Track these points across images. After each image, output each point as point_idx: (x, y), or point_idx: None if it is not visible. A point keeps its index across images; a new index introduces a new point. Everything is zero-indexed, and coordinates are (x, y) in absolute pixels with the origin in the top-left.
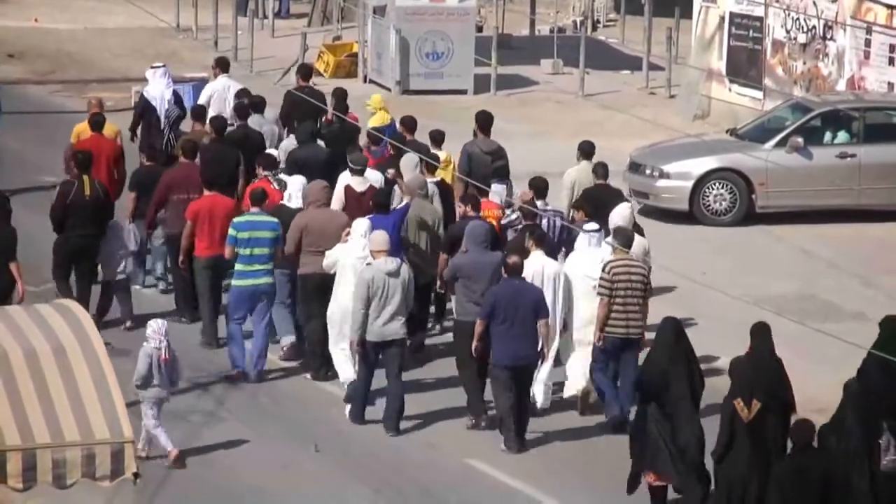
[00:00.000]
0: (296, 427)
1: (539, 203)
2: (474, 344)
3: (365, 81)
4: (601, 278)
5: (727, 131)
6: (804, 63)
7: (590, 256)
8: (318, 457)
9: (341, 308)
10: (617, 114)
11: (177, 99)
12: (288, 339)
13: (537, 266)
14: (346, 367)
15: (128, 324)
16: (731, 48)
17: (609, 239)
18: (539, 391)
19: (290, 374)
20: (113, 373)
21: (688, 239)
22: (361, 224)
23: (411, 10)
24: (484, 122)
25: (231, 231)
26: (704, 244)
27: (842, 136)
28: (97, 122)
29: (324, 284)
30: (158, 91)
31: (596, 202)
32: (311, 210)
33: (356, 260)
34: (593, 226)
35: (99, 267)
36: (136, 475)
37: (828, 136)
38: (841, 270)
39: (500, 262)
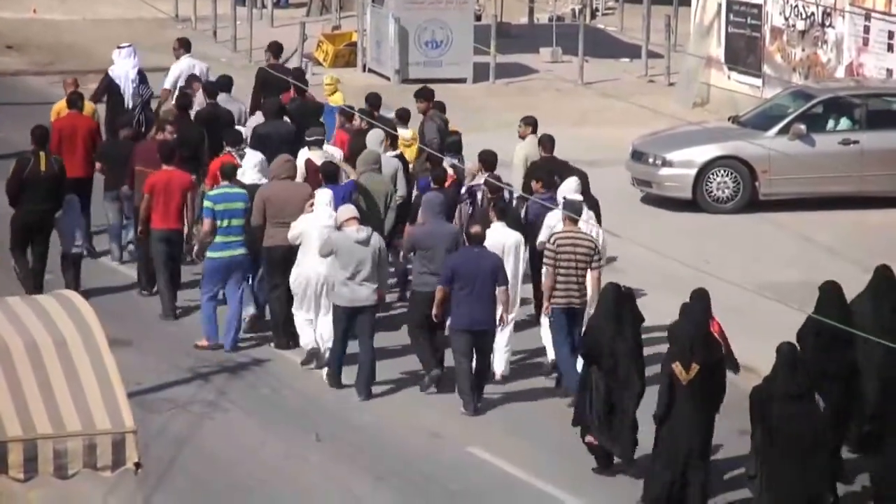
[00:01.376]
0: (297, 417)
1: (483, 175)
2: (434, 310)
3: (364, 71)
4: (547, 249)
5: (729, 119)
6: (803, 50)
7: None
8: (320, 446)
9: (305, 275)
10: (616, 102)
11: (143, 79)
12: (248, 311)
13: (499, 237)
14: (307, 332)
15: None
16: (729, 35)
17: (559, 209)
18: (498, 359)
19: (290, 364)
20: (114, 363)
21: (690, 227)
22: (325, 194)
23: None
24: (432, 96)
25: (207, 203)
26: (706, 232)
27: (844, 122)
28: (74, 101)
29: (288, 256)
30: (123, 70)
31: (549, 175)
32: (275, 182)
33: (322, 229)
34: (577, 198)
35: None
36: (137, 465)
37: (830, 123)
38: (843, 257)
39: (456, 233)
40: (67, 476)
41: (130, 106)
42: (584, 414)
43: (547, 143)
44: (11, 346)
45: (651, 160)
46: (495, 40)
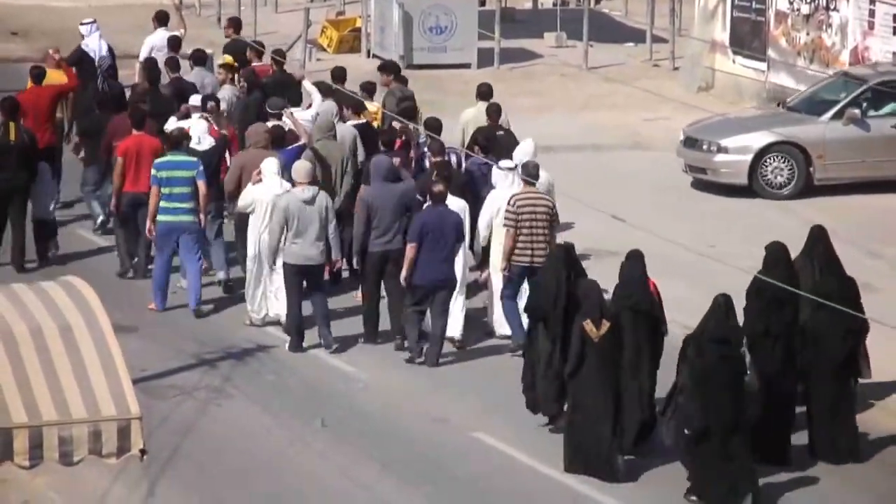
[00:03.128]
0: (302, 403)
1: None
2: (404, 271)
3: (368, 56)
4: (507, 210)
5: (778, 104)
6: (807, 34)
7: (508, 193)
8: (325, 433)
9: (256, 244)
10: (621, 86)
11: (112, 52)
12: (222, 273)
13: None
14: (259, 303)
15: (39, 262)
16: (734, 20)
17: (518, 171)
18: (453, 323)
19: (299, 356)
20: (119, 350)
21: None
22: (272, 163)
23: None
24: (396, 70)
25: (153, 171)
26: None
27: (893, 107)
28: (36, 76)
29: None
30: (95, 44)
31: (488, 141)
32: (250, 150)
33: (274, 197)
34: (508, 163)
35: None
36: (142, 452)
37: (884, 107)
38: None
39: (404, 192)
40: (73, 463)
41: (100, 77)
42: (526, 372)
43: (493, 112)
44: (17, 332)
45: (705, 147)
46: (499, 25)
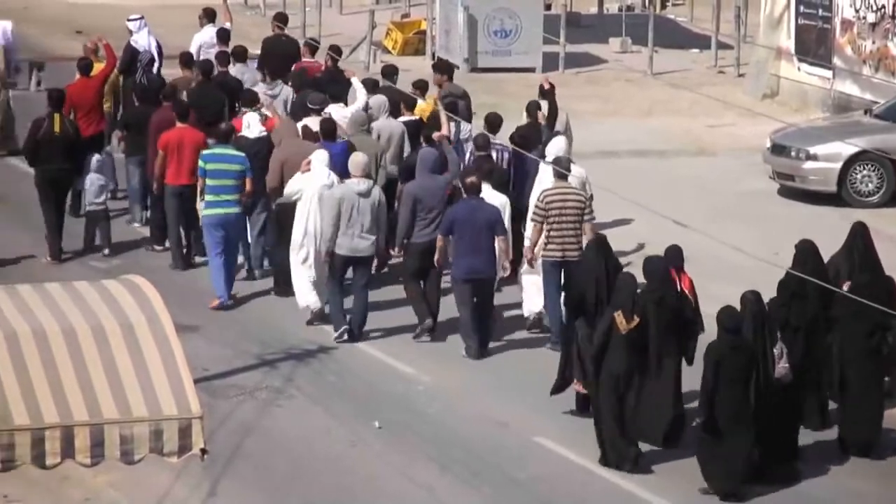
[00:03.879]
0: (362, 404)
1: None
2: (436, 258)
3: (433, 59)
4: (535, 205)
5: (864, 112)
6: (873, 42)
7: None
8: (384, 434)
9: (305, 233)
10: (685, 92)
11: (159, 47)
12: (259, 272)
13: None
14: (307, 292)
15: (105, 251)
16: (799, 27)
17: (548, 167)
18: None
19: (357, 351)
20: (181, 349)
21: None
22: (322, 154)
23: None
24: (449, 69)
25: (200, 163)
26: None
27: None
28: (85, 67)
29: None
30: (145, 40)
31: (526, 139)
32: (290, 143)
33: (322, 188)
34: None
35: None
36: (203, 451)
37: None
38: None
39: (447, 182)
40: (134, 461)
41: (156, 73)
42: (565, 367)
43: (533, 109)
44: (79, 330)
45: (794, 154)
46: (565, 29)
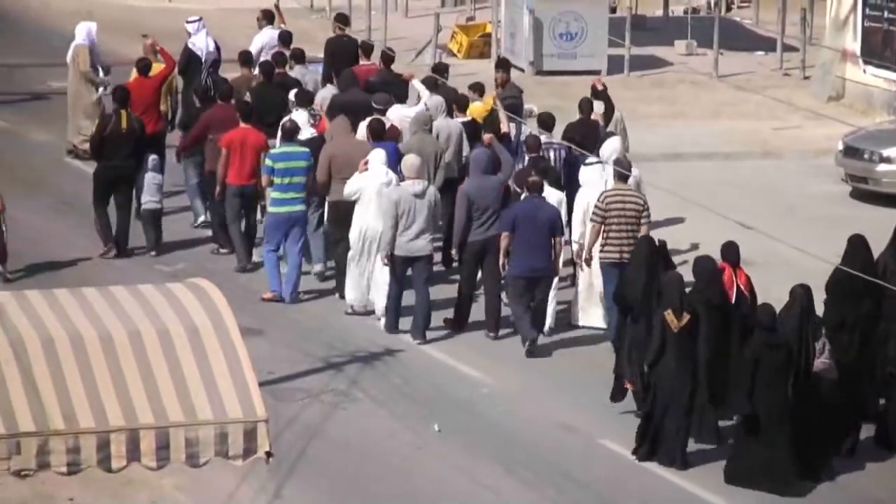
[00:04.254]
0: (427, 407)
1: (544, 136)
2: (501, 258)
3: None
4: (596, 206)
5: None
6: None
7: (597, 189)
8: (449, 437)
9: (362, 232)
10: (751, 95)
11: (218, 48)
12: (319, 266)
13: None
14: (354, 290)
15: (152, 253)
16: (865, 29)
17: (595, 167)
18: (547, 312)
19: (423, 354)
20: (246, 352)
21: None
22: (379, 153)
23: None
24: (507, 66)
25: (268, 161)
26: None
27: None
28: (142, 68)
29: (352, 210)
30: (203, 42)
31: (577, 135)
32: (338, 140)
33: (380, 185)
34: (593, 159)
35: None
36: (268, 454)
37: None
38: None
39: (501, 182)
40: (199, 464)
41: (204, 73)
42: (620, 364)
43: (585, 106)
44: (144, 333)
45: (867, 156)
46: (630, 32)
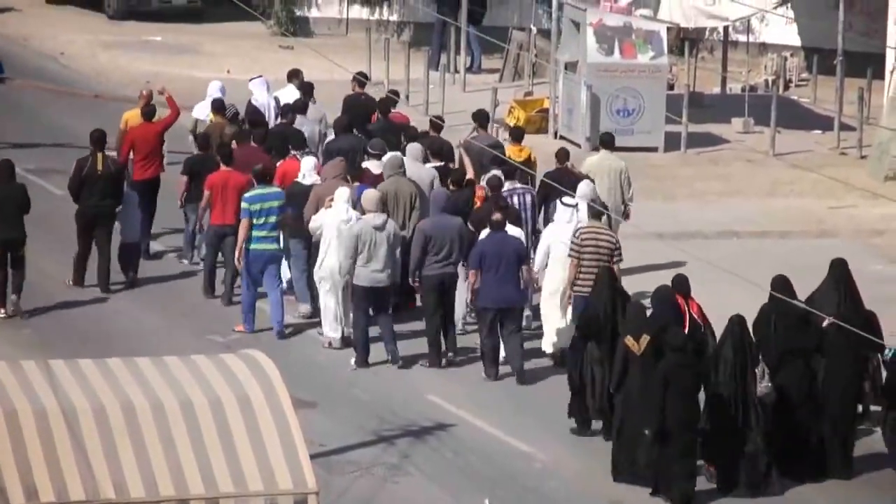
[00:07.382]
0: (480, 482)
1: (508, 183)
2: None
3: (555, 137)
4: (572, 242)
5: None
6: None
7: (568, 227)
8: None
9: (329, 266)
10: (808, 173)
11: (276, 101)
12: (305, 307)
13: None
14: (332, 323)
15: (125, 282)
16: None
17: (582, 210)
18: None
19: (475, 428)
20: (297, 423)
21: None
22: (343, 192)
23: (603, 66)
24: (483, 119)
25: (244, 205)
26: None
27: None
28: (147, 113)
29: None
30: (264, 98)
31: (557, 182)
32: (329, 182)
33: (340, 223)
34: (570, 200)
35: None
36: None
37: None
38: None
39: (459, 225)
40: None
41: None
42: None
43: (562, 156)
44: (196, 403)
45: None
46: (687, 109)
